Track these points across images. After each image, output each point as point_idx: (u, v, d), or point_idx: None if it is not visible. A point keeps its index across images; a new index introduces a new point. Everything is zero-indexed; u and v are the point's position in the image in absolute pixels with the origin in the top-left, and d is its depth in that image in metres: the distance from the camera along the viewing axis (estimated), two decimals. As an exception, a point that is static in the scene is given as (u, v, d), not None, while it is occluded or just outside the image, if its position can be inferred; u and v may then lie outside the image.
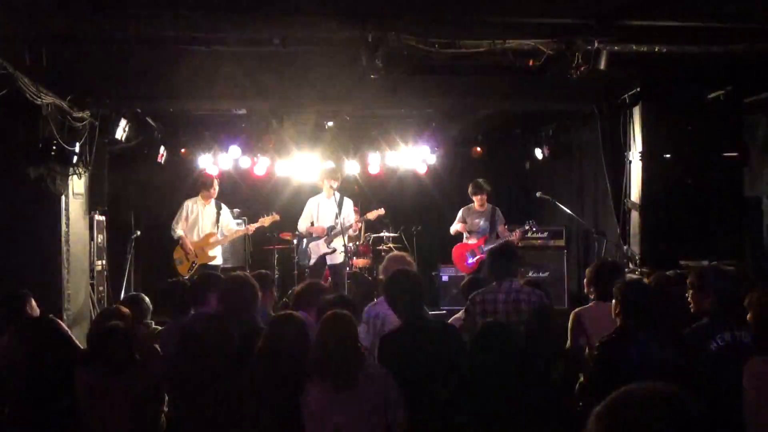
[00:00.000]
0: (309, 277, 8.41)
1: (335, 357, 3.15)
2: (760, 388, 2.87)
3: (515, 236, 7.95)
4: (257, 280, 4.63)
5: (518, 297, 4.37)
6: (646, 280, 5.00)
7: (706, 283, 3.98)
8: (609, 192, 7.37)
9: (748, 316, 3.19)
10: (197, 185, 8.19)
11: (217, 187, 8.15)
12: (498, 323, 3.76)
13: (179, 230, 7.92)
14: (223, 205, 8.28)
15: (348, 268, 7.99)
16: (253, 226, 8.33)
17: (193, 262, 7.83)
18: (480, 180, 8.17)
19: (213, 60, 5.61)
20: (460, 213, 8.25)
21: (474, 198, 8.08)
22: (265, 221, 8.36)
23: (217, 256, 8.10)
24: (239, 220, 8.89)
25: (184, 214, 7.99)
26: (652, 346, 3.44)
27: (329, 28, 5.15)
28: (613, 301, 3.74)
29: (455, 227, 8.22)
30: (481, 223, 8.07)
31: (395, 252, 5.68)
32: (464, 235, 8.18)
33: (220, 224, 8.12)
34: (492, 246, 4.53)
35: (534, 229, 8.48)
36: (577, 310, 4.48)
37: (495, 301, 4.36)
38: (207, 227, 8.06)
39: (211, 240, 8.01)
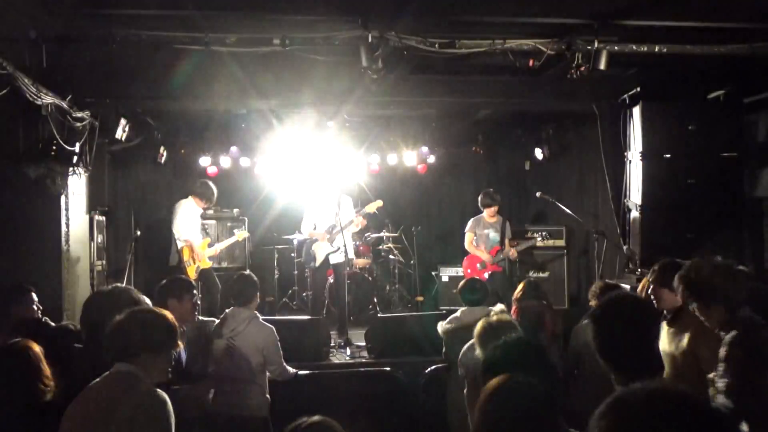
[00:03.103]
0: (312, 279, 8.38)
1: None
2: None
3: (512, 254, 7.79)
4: None
5: None
6: (645, 281, 4.97)
7: (670, 279, 3.96)
8: (609, 192, 7.37)
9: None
10: (199, 191, 7.81)
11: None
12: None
13: (186, 233, 7.65)
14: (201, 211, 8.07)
15: (349, 268, 7.95)
16: (226, 243, 8.30)
17: (198, 266, 7.71)
18: (491, 190, 8.01)
19: (213, 60, 5.60)
20: (469, 223, 8.03)
21: (485, 209, 7.87)
22: (239, 236, 8.39)
23: (211, 262, 8.01)
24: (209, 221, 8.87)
25: (186, 216, 7.74)
26: None
27: (329, 28, 5.14)
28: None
29: (469, 248, 7.97)
30: (491, 234, 7.87)
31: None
32: (474, 246, 7.94)
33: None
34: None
35: (546, 240, 8.50)
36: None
37: None
38: (200, 232, 7.95)
39: (208, 245, 7.93)
